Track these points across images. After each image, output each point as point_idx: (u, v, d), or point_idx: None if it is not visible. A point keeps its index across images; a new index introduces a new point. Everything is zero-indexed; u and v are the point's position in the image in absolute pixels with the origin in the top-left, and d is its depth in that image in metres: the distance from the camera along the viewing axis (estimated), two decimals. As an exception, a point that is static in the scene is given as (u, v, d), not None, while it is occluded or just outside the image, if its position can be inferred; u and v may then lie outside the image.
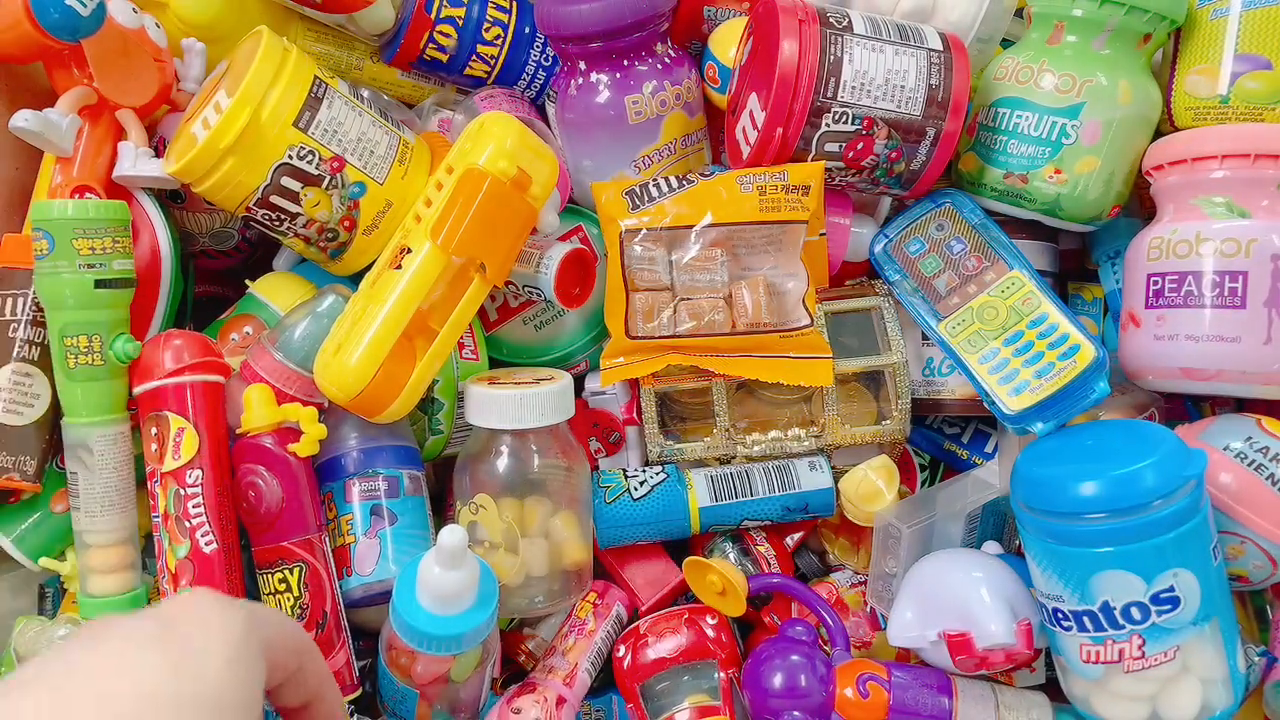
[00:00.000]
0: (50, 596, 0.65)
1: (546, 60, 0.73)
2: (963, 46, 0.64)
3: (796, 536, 0.70)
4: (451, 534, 0.52)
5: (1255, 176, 0.59)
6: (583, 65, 0.68)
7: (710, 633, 0.64)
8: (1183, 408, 0.69)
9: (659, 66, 0.67)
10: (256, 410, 0.58)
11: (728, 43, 0.69)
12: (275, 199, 0.60)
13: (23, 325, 0.58)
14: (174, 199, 0.66)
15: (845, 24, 0.62)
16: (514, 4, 0.71)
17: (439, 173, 0.60)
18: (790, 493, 0.66)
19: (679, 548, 0.69)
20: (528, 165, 0.58)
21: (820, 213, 0.66)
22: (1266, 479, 0.57)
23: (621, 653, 0.65)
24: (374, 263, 0.63)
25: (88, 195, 0.59)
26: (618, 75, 0.67)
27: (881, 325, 0.67)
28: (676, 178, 0.66)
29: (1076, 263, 0.74)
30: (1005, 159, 0.65)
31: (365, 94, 0.64)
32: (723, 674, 0.63)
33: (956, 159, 0.68)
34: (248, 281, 0.67)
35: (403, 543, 0.60)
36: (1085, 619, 0.54)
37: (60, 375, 0.57)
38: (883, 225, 0.70)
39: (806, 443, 0.66)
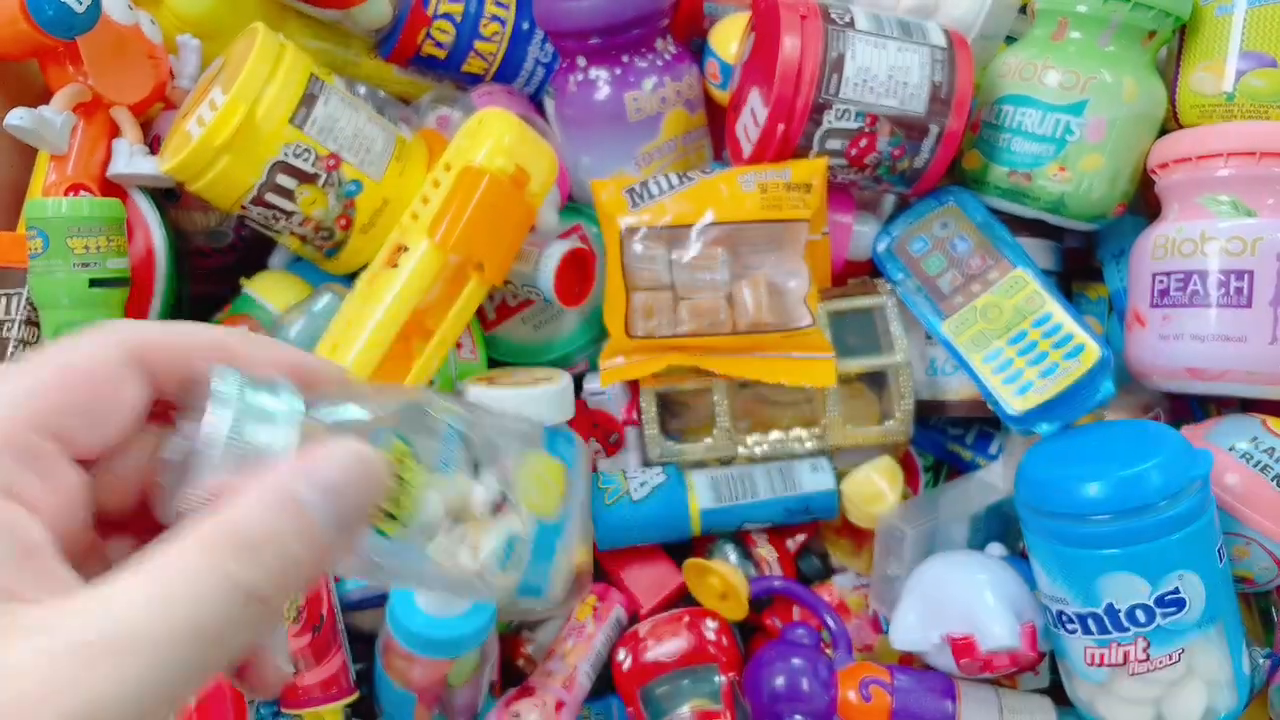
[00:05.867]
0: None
1: (545, 56, 0.72)
2: (966, 43, 0.64)
3: (798, 539, 0.69)
4: None
5: (1261, 175, 0.58)
6: (582, 61, 0.67)
7: (711, 636, 0.64)
8: (1188, 408, 0.69)
9: (659, 63, 0.67)
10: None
11: (729, 38, 0.68)
12: (271, 197, 0.59)
13: (17, 325, 0.58)
14: (169, 197, 0.66)
15: (847, 20, 0.62)
16: (513, 0, 0.71)
17: (436, 170, 0.59)
18: (792, 494, 0.65)
19: (679, 550, 0.69)
20: (526, 162, 0.58)
21: (823, 211, 0.65)
22: (1272, 480, 0.56)
23: (621, 656, 0.64)
24: (370, 261, 0.62)
25: (82, 194, 0.58)
26: (617, 71, 0.66)
27: (884, 325, 0.67)
28: (677, 175, 0.65)
29: (1081, 261, 0.74)
30: (1009, 156, 0.64)
31: (362, 91, 0.63)
32: (724, 678, 0.63)
33: (960, 157, 0.67)
34: (242, 280, 0.66)
35: (400, 545, 0.60)
36: (1090, 621, 0.54)
37: (54, 376, 0.57)
38: (886, 223, 0.69)
39: (808, 443, 0.66)
